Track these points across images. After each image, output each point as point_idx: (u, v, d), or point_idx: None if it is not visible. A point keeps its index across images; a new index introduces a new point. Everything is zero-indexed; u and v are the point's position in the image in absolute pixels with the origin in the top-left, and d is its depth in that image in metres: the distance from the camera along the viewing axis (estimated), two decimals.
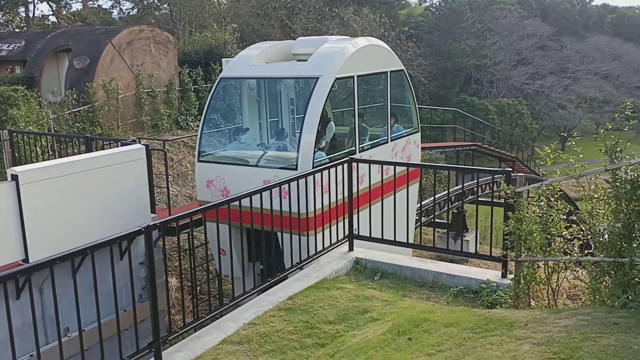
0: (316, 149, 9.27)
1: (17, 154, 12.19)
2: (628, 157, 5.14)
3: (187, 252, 10.71)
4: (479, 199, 16.51)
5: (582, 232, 5.97)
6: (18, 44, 19.86)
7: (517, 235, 6.16)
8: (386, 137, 11.30)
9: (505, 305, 6.32)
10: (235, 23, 27.45)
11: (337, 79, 9.65)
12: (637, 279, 4.91)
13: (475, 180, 16.74)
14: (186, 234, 8.20)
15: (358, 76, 10.21)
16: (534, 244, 6.00)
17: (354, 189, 8.08)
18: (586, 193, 5.46)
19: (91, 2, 37.13)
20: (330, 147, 10.18)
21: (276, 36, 28.41)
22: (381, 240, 7.99)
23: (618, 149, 5.09)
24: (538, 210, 6.01)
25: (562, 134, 40.24)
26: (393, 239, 8.02)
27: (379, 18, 32.52)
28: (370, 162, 8.71)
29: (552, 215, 5.94)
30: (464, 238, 17.12)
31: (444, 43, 53.58)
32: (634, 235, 4.94)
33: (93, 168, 7.89)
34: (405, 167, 8.31)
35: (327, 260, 7.81)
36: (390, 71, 11.25)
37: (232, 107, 11.41)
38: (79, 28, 24.44)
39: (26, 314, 5.05)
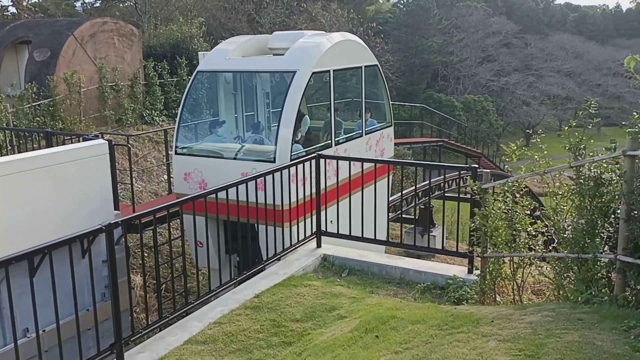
0: (293, 142, 9.39)
1: None
2: (591, 154, 5.21)
3: (152, 249, 10.56)
4: (446, 194, 16.69)
5: (546, 228, 6.05)
6: None
7: (483, 232, 6.20)
8: (361, 131, 11.50)
9: (471, 301, 6.36)
10: (201, 17, 27.06)
11: (313, 73, 9.78)
12: (600, 274, 4.99)
13: (442, 176, 16.88)
14: (156, 230, 8.04)
15: (334, 70, 10.37)
16: (499, 240, 6.05)
17: (328, 183, 8.10)
18: (551, 190, 5.51)
19: None
20: (307, 140, 10.31)
21: (243, 30, 28.11)
22: (348, 237, 7.98)
23: (582, 146, 5.15)
24: (504, 207, 6.06)
25: (527, 130, 40.99)
26: (361, 235, 8.01)
27: (347, 14, 32.46)
28: (338, 158, 8.72)
29: (517, 212, 6.00)
30: (430, 233, 17.26)
31: (412, 39, 53.91)
32: (597, 231, 5.01)
33: (54, 164, 7.64)
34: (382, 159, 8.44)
35: (295, 257, 7.76)
36: (365, 66, 11.43)
37: (208, 100, 11.53)
38: (39, 19, 23.71)
39: None
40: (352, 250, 7.89)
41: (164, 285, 11.36)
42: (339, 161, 8.44)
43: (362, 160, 8.73)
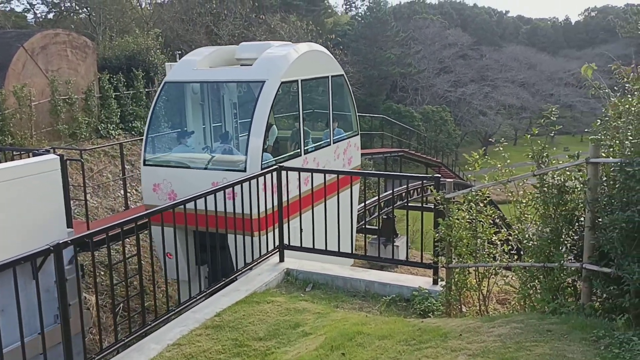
0: (263, 151, 9.46)
1: None
2: (554, 161, 5.19)
3: (115, 266, 10.23)
4: (409, 204, 16.69)
5: (510, 237, 6.01)
6: None
7: (447, 242, 6.12)
8: (329, 140, 11.65)
9: (437, 313, 6.27)
10: (158, 28, 26.61)
11: (282, 82, 9.89)
12: (565, 283, 4.95)
13: (405, 186, 16.93)
14: (110, 248, 7.72)
15: (302, 80, 10.51)
16: (464, 250, 5.98)
17: (295, 194, 7.96)
18: (515, 199, 5.47)
19: (2, 5, 35.04)
20: (275, 150, 10.41)
21: (202, 42, 27.75)
22: (312, 250, 7.82)
23: (544, 154, 5.13)
24: (467, 216, 6.00)
25: (490, 140, 41.83)
26: (324, 248, 7.85)
27: (306, 25, 32.50)
28: (299, 169, 8.55)
29: (481, 221, 5.95)
30: (394, 243, 17.24)
31: (370, 51, 54.45)
32: (561, 239, 4.98)
33: (1, 181, 7.25)
34: (350, 167, 8.49)
35: (257, 272, 7.54)
36: (332, 76, 11.63)
37: (176, 111, 11.58)
38: None
39: None
40: (315, 264, 7.71)
41: (120, 305, 10.97)
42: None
43: (324, 172, 8.61)
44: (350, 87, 12.94)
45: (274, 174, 7.82)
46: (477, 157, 6.10)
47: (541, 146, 5.12)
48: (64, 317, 5.00)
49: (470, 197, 5.98)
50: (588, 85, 5.32)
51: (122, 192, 14.72)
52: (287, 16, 33.67)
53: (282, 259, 7.88)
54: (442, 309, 6.31)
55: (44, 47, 17.08)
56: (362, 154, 24.69)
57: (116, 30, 27.86)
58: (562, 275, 4.90)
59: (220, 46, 12.60)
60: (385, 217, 18.55)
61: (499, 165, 5.85)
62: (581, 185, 4.83)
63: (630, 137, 4.32)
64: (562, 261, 4.83)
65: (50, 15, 35.70)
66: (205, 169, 9.87)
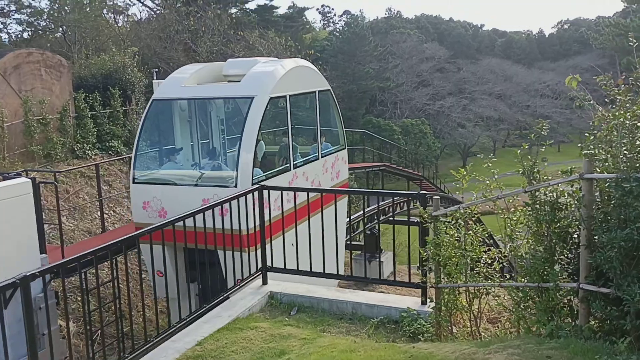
0: (254, 167, 9.45)
1: None
2: (545, 177, 5.02)
3: (93, 292, 9.87)
4: (395, 218, 16.53)
5: (500, 255, 5.83)
6: None
7: (436, 261, 5.93)
8: (317, 154, 11.69)
9: (427, 335, 6.06)
10: (135, 46, 26.27)
11: (271, 98, 9.94)
12: (562, 303, 4.77)
13: (388, 201, 16.77)
14: (82, 276, 7.40)
15: (290, 95, 10.60)
16: (453, 269, 5.80)
17: (277, 213, 7.77)
18: (505, 216, 5.30)
19: None
20: (263, 165, 10.40)
21: (180, 59, 27.47)
22: (296, 272, 7.57)
23: (535, 170, 4.97)
24: (456, 234, 5.82)
25: (479, 155, 42.10)
26: (309, 269, 7.61)
27: (285, 41, 32.41)
28: (281, 189, 8.35)
29: (470, 239, 5.77)
30: (379, 259, 17.05)
31: (349, 66, 54.67)
32: (555, 258, 4.80)
33: None
34: (338, 180, 8.42)
35: (240, 296, 7.27)
36: (319, 91, 11.77)
37: (164, 128, 11.58)
38: None
39: None
40: (300, 286, 7.46)
41: (98, 332, 10.56)
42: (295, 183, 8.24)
43: (307, 190, 8.39)
44: (336, 101, 13.02)
45: (256, 193, 7.59)
46: (465, 173, 5.93)
47: (532, 162, 4.96)
48: (31, 350, 4.72)
49: (458, 215, 5.80)
50: (573, 97, 5.20)
51: (99, 213, 14.33)
52: (266, 32, 33.54)
53: (265, 282, 7.62)
54: (432, 330, 6.10)
55: (17, 66, 16.68)
56: None
57: (92, 49, 27.45)
58: (557, 295, 4.72)
59: (207, 63, 12.68)
60: (369, 232, 18.35)
61: (487, 182, 5.70)
62: (575, 201, 4.66)
63: (626, 152, 4.17)
64: (557, 281, 4.65)
65: (26, 35, 35.16)
66: (196, 185, 9.83)
